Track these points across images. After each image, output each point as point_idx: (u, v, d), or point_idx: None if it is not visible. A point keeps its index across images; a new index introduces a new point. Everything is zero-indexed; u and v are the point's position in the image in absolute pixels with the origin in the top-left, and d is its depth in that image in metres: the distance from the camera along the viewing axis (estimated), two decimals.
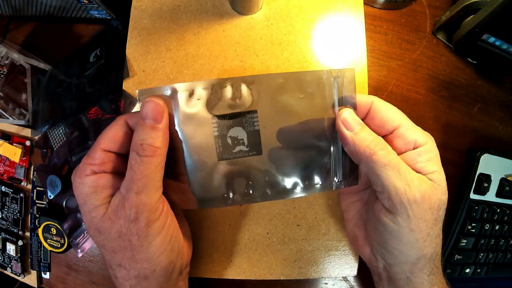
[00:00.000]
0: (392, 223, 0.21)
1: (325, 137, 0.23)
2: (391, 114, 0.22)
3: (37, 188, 0.37)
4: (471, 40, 0.34)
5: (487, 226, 0.36)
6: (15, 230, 0.38)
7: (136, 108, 0.31)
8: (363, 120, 0.23)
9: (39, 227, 0.34)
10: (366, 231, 0.26)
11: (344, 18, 0.32)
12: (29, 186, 0.38)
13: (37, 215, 0.37)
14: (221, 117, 0.23)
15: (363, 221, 0.26)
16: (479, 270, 0.37)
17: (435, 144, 0.22)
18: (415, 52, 0.37)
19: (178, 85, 0.22)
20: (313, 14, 0.31)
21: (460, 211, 0.36)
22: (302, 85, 0.23)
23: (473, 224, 0.35)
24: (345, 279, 0.35)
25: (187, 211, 0.29)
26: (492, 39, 0.33)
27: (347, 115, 0.22)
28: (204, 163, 0.23)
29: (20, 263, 0.37)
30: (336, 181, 0.24)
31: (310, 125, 0.23)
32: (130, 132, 0.22)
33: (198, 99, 0.22)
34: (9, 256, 0.38)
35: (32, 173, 0.37)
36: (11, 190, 0.37)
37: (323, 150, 0.23)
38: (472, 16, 0.34)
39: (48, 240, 0.34)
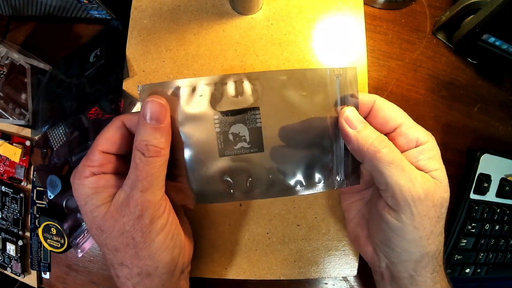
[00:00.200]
0: (395, 221, 0.21)
1: (328, 136, 0.23)
2: (393, 113, 0.22)
3: (37, 188, 0.37)
4: (471, 40, 0.34)
5: (487, 226, 0.36)
6: (15, 230, 0.38)
7: (137, 108, 0.31)
8: (365, 118, 0.23)
9: (39, 227, 0.34)
10: (369, 230, 0.26)
11: (344, 18, 0.32)
12: (29, 186, 0.38)
13: (37, 215, 0.37)
14: (223, 113, 0.23)
15: (365, 220, 0.26)
16: (479, 270, 0.37)
17: (436, 143, 0.23)
18: (415, 52, 0.37)
19: (180, 81, 0.22)
20: (313, 14, 0.31)
21: (460, 211, 0.36)
22: (304, 83, 0.23)
23: (473, 224, 0.35)
24: (345, 279, 0.35)
25: (187, 211, 0.29)
26: (492, 39, 0.33)
27: (349, 113, 0.22)
28: (205, 160, 0.23)
29: (20, 263, 0.37)
30: (339, 180, 0.24)
31: (313, 123, 0.23)
32: (127, 134, 0.22)
33: (201, 95, 0.22)
34: (9, 256, 0.38)
35: (32, 173, 0.37)
36: (11, 190, 0.37)
37: (325, 149, 0.23)
38: (472, 16, 0.34)
39: (48, 240, 0.34)
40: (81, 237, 0.33)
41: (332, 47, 0.31)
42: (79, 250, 0.33)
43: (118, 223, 0.20)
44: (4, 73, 0.34)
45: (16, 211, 0.37)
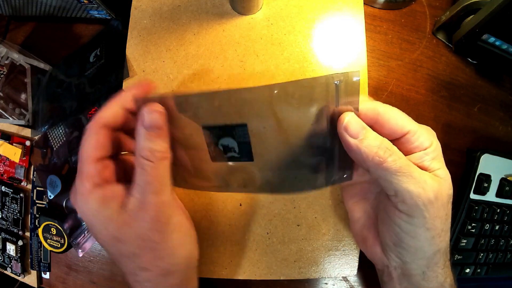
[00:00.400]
0: (408, 224, 0.21)
1: (322, 138, 0.23)
2: (399, 122, 0.21)
3: (37, 188, 0.37)
4: (471, 40, 0.34)
5: (487, 226, 0.36)
6: (15, 230, 0.38)
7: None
8: (370, 126, 0.22)
9: (39, 227, 0.34)
10: (377, 231, 0.25)
11: (344, 18, 0.31)
12: (29, 186, 0.38)
13: (37, 215, 0.37)
14: (211, 128, 0.23)
15: (371, 221, 0.26)
16: (479, 270, 0.37)
17: (438, 142, 0.23)
18: (415, 52, 0.37)
19: (169, 96, 0.22)
20: (313, 14, 0.31)
21: (460, 211, 0.36)
22: (297, 94, 0.22)
23: (473, 224, 0.35)
24: (345, 279, 0.35)
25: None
26: (492, 39, 0.33)
27: (349, 121, 0.20)
28: (198, 163, 0.24)
29: (20, 263, 0.37)
30: (331, 179, 0.24)
31: (305, 133, 0.22)
32: (111, 133, 0.22)
33: (188, 110, 0.22)
34: (9, 256, 0.38)
35: (32, 173, 0.38)
36: (11, 190, 0.37)
37: (317, 151, 0.23)
38: (472, 16, 0.34)
39: (48, 240, 0.34)
40: (81, 237, 0.33)
41: (332, 47, 0.31)
42: (80, 250, 0.33)
43: (135, 228, 0.21)
44: (4, 73, 0.34)
45: (16, 211, 0.37)
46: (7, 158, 0.37)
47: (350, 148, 0.21)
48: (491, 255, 0.37)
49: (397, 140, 0.22)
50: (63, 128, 0.35)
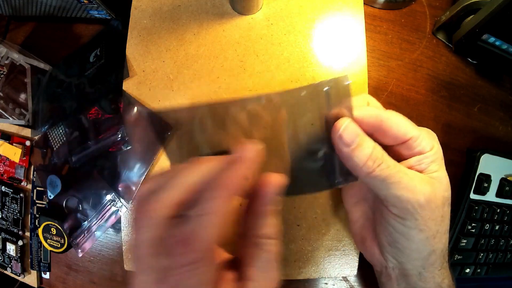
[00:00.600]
0: (401, 226, 0.22)
1: (320, 145, 0.23)
2: (402, 129, 0.21)
3: (37, 188, 0.37)
4: (471, 40, 0.34)
5: (487, 226, 0.36)
6: (15, 230, 0.38)
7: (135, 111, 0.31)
8: (371, 135, 0.22)
9: (39, 227, 0.34)
10: (375, 232, 0.26)
11: (344, 18, 0.31)
12: (29, 186, 0.38)
13: (37, 215, 0.37)
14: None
15: (370, 222, 0.26)
16: (479, 270, 0.37)
17: (439, 145, 0.23)
18: (415, 52, 0.37)
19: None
20: (313, 14, 0.31)
21: (460, 211, 0.36)
22: (287, 104, 0.22)
23: (473, 224, 0.35)
24: (345, 279, 0.35)
25: None
26: (492, 39, 0.33)
27: (344, 129, 0.20)
28: None
29: (20, 263, 0.37)
30: (335, 181, 0.24)
31: (305, 140, 0.23)
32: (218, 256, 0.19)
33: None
34: (9, 256, 0.38)
35: (32, 173, 0.38)
36: (11, 190, 0.37)
37: (317, 157, 0.23)
38: (472, 16, 0.34)
39: (48, 240, 0.34)
40: (81, 237, 0.33)
41: (332, 47, 0.31)
42: (79, 250, 0.33)
43: None
44: (4, 73, 0.34)
45: (16, 211, 0.37)
46: (7, 158, 0.37)
47: (342, 155, 0.21)
48: (491, 255, 0.37)
49: (399, 145, 0.22)
50: (63, 128, 0.35)
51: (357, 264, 0.31)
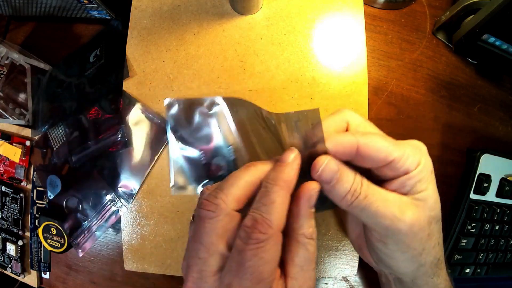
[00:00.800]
0: (384, 248, 0.22)
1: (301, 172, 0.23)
2: (382, 153, 0.20)
3: (37, 188, 0.37)
4: (471, 40, 0.34)
5: (487, 226, 0.36)
6: (15, 230, 0.38)
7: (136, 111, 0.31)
8: (351, 161, 0.21)
9: (39, 227, 0.34)
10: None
11: (344, 18, 0.32)
12: (29, 186, 0.38)
13: (37, 215, 0.37)
14: (204, 147, 0.26)
15: (363, 232, 0.26)
16: (479, 270, 0.37)
17: (427, 159, 0.21)
18: (415, 52, 0.37)
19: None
20: (313, 14, 0.31)
21: (460, 211, 0.36)
22: (269, 122, 0.23)
23: (473, 224, 0.35)
24: (345, 279, 0.35)
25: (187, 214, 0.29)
26: (492, 39, 0.33)
27: (322, 171, 0.20)
28: (195, 180, 0.27)
29: (20, 263, 0.37)
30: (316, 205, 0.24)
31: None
32: (281, 238, 0.20)
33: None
34: (9, 256, 0.38)
35: (32, 173, 0.38)
36: (11, 190, 0.37)
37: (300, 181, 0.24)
38: (472, 16, 0.34)
39: (48, 240, 0.34)
40: (81, 237, 0.33)
41: (332, 47, 0.31)
42: (79, 250, 0.33)
43: None
44: (4, 73, 0.34)
45: (16, 211, 0.37)
46: (7, 158, 0.37)
47: (323, 189, 0.21)
48: (491, 255, 0.37)
49: (383, 167, 0.21)
50: (63, 128, 0.35)
51: (357, 264, 0.31)
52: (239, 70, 0.31)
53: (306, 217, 0.20)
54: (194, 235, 0.20)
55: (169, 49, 0.32)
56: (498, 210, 0.36)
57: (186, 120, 0.29)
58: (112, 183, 0.32)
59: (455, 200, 0.37)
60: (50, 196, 0.35)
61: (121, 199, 0.32)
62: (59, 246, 0.34)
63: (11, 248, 0.37)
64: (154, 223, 0.31)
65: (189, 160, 0.29)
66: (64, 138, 0.35)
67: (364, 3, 0.32)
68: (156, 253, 0.31)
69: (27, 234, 0.38)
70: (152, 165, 0.31)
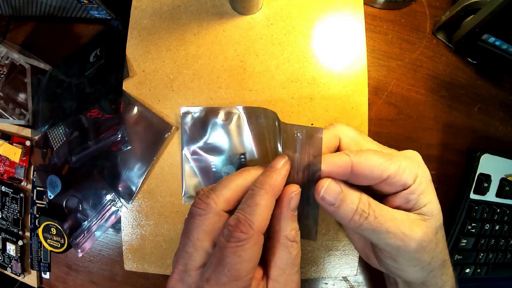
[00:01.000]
0: (394, 263, 0.22)
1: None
2: (377, 171, 0.20)
3: (37, 188, 0.37)
4: (471, 40, 0.34)
5: (487, 226, 0.36)
6: (15, 230, 0.38)
7: (135, 111, 0.31)
8: (347, 180, 0.21)
9: (39, 227, 0.34)
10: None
11: (344, 18, 0.31)
12: (29, 186, 0.38)
13: (37, 215, 0.37)
14: (216, 156, 0.29)
15: (369, 245, 0.26)
16: (479, 270, 0.37)
17: (424, 168, 0.21)
18: (415, 52, 0.37)
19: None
20: (313, 14, 0.31)
21: (460, 211, 0.36)
22: (277, 132, 0.24)
23: (473, 224, 0.35)
24: (345, 279, 0.35)
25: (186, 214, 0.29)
26: (492, 39, 0.33)
27: (324, 193, 0.20)
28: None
29: (20, 263, 0.37)
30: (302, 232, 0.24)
31: None
32: (262, 240, 0.20)
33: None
34: (9, 256, 0.38)
35: (32, 173, 0.38)
36: (11, 190, 0.37)
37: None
38: (472, 16, 0.34)
39: (48, 240, 0.34)
40: (81, 237, 0.33)
41: (332, 47, 0.31)
42: (79, 250, 0.33)
43: None
44: (4, 73, 0.34)
45: (16, 211, 0.37)
46: (7, 158, 0.37)
47: (328, 212, 0.21)
48: (491, 255, 0.37)
49: (379, 183, 0.21)
50: (63, 128, 0.35)
51: (357, 264, 0.31)
52: (239, 70, 0.31)
53: (288, 220, 0.20)
54: (184, 231, 0.21)
55: (169, 49, 0.32)
56: (498, 210, 0.36)
57: (201, 128, 0.30)
58: (112, 183, 0.32)
59: (455, 200, 0.37)
60: (50, 196, 0.35)
61: (121, 199, 0.32)
62: (59, 246, 0.34)
63: (11, 248, 0.37)
64: (154, 223, 0.31)
65: (200, 168, 0.30)
66: (64, 138, 0.35)
67: (364, 3, 0.32)
68: (156, 253, 0.31)
69: (27, 234, 0.38)
70: (152, 165, 0.31)
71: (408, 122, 0.36)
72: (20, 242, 0.37)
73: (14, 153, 0.37)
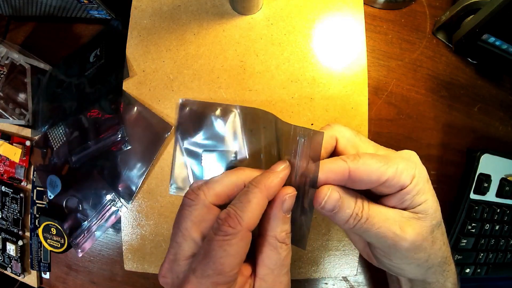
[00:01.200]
0: (390, 262, 0.23)
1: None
2: (374, 176, 0.20)
3: (37, 188, 0.37)
4: (471, 40, 0.34)
5: (487, 226, 0.36)
6: (15, 230, 0.38)
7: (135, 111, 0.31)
8: (344, 185, 0.21)
9: (39, 227, 0.34)
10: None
11: (344, 18, 0.32)
12: (29, 186, 0.38)
13: (37, 215, 0.37)
14: (207, 151, 0.29)
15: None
16: (479, 270, 0.37)
17: (422, 168, 0.21)
18: (415, 52, 0.37)
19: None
20: (313, 14, 0.31)
21: (460, 211, 0.36)
22: (278, 132, 0.24)
23: (473, 224, 0.35)
24: (345, 279, 0.35)
25: None
26: (492, 39, 0.33)
27: (325, 202, 0.20)
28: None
29: (20, 263, 0.37)
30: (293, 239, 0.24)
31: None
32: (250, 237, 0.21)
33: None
34: (9, 256, 0.38)
35: (32, 173, 0.38)
36: (11, 190, 0.37)
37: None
38: (472, 16, 0.34)
39: (48, 240, 0.34)
40: (81, 237, 0.33)
41: (332, 47, 0.31)
42: (79, 250, 0.33)
43: None
44: (4, 73, 0.34)
45: (16, 211, 0.37)
46: (7, 158, 0.37)
47: (325, 215, 0.21)
48: (491, 255, 0.37)
49: (377, 186, 0.21)
50: (63, 128, 0.35)
51: (357, 264, 0.31)
52: (239, 70, 0.31)
53: (278, 220, 0.20)
54: (175, 221, 0.21)
55: (169, 49, 0.32)
56: (498, 210, 0.36)
57: (196, 122, 0.30)
58: (112, 183, 0.32)
59: (455, 200, 0.37)
60: (50, 196, 0.35)
61: (121, 199, 0.32)
62: (59, 246, 0.34)
63: (11, 248, 0.37)
64: (154, 223, 0.31)
65: (190, 162, 0.30)
66: (64, 138, 0.35)
67: (364, 3, 0.32)
68: (156, 253, 0.31)
69: (27, 234, 0.38)
70: (152, 165, 0.31)
71: (408, 122, 0.36)
72: (20, 242, 0.37)
73: (14, 153, 0.37)
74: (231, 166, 0.27)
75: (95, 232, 0.33)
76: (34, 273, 0.38)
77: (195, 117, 0.30)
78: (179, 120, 0.30)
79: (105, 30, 0.37)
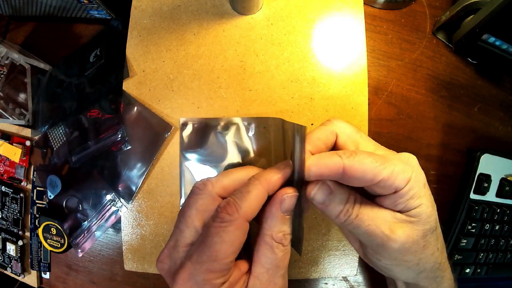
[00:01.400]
0: (379, 261, 0.23)
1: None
2: (369, 175, 0.19)
3: (37, 188, 0.37)
4: (471, 40, 0.34)
5: (487, 226, 0.36)
6: (15, 230, 0.38)
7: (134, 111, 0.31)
8: (338, 180, 0.21)
9: (39, 227, 0.34)
10: None
11: (344, 18, 0.32)
12: (29, 186, 0.38)
13: (37, 215, 0.37)
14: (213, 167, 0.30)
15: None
16: (479, 270, 0.37)
17: (418, 174, 0.21)
18: (415, 52, 0.37)
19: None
20: (313, 14, 0.31)
21: (460, 211, 0.36)
22: (282, 130, 0.24)
23: (473, 224, 0.35)
24: (345, 279, 0.35)
25: None
26: (492, 39, 0.33)
27: (314, 194, 0.21)
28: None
29: (20, 263, 0.37)
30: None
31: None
32: (247, 228, 0.21)
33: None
34: (9, 256, 0.38)
35: (32, 173, 0.38)
36: (11, 190, 0.37)
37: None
38: (472, 16, 0.34)
39: (48, 240, 0.34)
40: (81, 237, 0.33)
41: (332, 47, 0.31)
42: (79, 250, 0.33)
43: None
44: (4, 73, 0.34)
45: (16, 211, 0.37)
46: (7, 158, 0.37)
47: (318, 208, 0.21)
48: (491, 255, 0.37)
49: (372, 186, 0.20)
50: (63, 128, 0.35)
51: (357, 264, 0.31)
52: (239, 70, 0.31)
53: (276, 220, 0.20)
54: (181, 209, 0.22)
55: (169, 49, 0.32)
56: (498, 210, 0.36)
57: (200, 139, 0.30)
58: (112, 183, 0.32)
59: (455, 200, 0.37)
60: (50, 196, 0.35)
61: (121, 199, 0.32)
62: (59, 246, 0.34)
63: (11, 248, 0.37)
64: (154, 223, 0.31)
65: (198, 178, 0.30)
66: (64, 138, 0.35)
67: (364, 3, 0.32)
68: (156, 253, 0.31)
69: (27, 234, 0.38)
70: (152, 165, 0.31)
71: (408, 122, 0.36)
72: (20, 242, 0.37)
73: (14, 153, 0.37)
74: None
75: (95, 232, 0.33)
76: (34, 273, 0.38)
77: (198, 134, 0.30)
78: (181, 138, 0.31)
79: (105, 30, 0.37)
